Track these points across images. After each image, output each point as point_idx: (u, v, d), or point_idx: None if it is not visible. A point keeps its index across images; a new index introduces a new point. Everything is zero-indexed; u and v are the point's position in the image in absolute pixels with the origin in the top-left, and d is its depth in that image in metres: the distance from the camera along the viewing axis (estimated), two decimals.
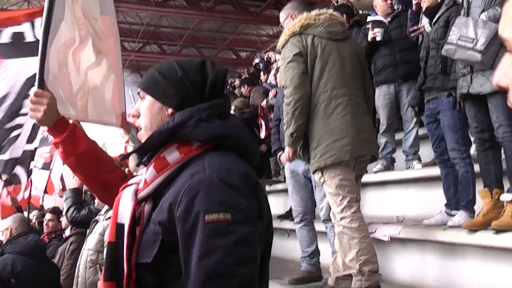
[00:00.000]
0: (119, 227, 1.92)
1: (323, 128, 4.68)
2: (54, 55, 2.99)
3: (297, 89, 4.68)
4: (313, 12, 4.96)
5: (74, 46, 3.33)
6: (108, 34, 3.78)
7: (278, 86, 7.72)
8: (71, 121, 2.74)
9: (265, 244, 1.92)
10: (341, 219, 4.60)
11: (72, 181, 6.44)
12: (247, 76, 13.58)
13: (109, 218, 4.51)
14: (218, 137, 1.92)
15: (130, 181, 2.10)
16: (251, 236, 1.75)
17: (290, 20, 5.17)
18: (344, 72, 4.82)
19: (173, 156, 1.92)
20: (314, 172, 4.79)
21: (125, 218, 1.92)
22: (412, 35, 6.55)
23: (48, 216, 8.44)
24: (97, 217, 5.14)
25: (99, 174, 2.66)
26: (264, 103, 9.48)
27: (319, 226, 6.23)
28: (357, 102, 4.86)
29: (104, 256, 2.05)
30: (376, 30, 6.74)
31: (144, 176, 2.00)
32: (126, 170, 3.18)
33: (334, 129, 4.67)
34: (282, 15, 5.38)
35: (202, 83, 2.01)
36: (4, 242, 6.08)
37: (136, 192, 1.99)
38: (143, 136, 2.10)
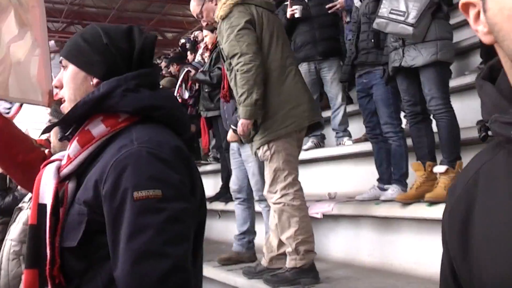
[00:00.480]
0: (41, 208, 1.78)
1: (278, 97, 4.56)
2: None
3: (257, 55, 4.50)
4: None
5: None
6: (34, 5, 3.55)
7: (206, 62, 7.47)
8: None
9: (199, 221, 1.82)
10: (282, 196, 4.50)
11: None
12: (174, 55, 13.41)
13: None
14: (147, 108, 1.80)
15: (53, 157, 1.96)
16: (183, 213, 1.65)
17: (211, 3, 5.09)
18: (288, 42, 4.81)
19: (98, 129, 1.78)
20: (258, 148, 4.65)
21: (47, 198, 1.78)
22: (329, 11, 6.62)
23: None
24: (20, 205, 4.93)
25: (15, 155, 2.52)
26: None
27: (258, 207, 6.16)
28: (300, 71, 4.88)
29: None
30: (295, 7, 6.67)
31: (67, 152, 1.85)
32: (46, 150, 3.02)
33: (290, 97, 4.58)
34: None
35: (130, 51, 1.87)
36: None
37: (59, 169, 1.84)
38: (66, 108, 1.93)
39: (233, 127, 5.69)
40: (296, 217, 4.47)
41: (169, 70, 12.13)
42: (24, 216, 4.54)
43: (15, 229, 4.59)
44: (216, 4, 4.96)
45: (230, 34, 4.57)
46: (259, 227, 6.13)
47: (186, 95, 8.84)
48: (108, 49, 1.85)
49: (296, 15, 6.67)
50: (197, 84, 8.73)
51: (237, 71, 4.52)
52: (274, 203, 4.58)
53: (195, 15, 5.32)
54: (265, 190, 4.68)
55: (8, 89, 3.21)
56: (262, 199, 5.52)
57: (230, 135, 5.78)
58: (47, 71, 3.63)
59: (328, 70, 6.77)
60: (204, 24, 5.50)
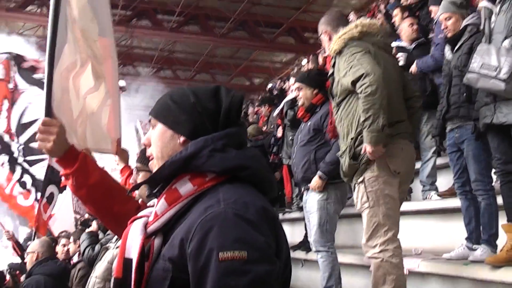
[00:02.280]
0: (126, 262, 1.80)
1: None
2: (57, 80, 2.85)
3: (381, 77, 4.27)
4: (367, 20, 4.74)
5: (75, 70, 3.19)
6: (106, 57, 3.66)
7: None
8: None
9: (283, 281, 1.80)
10: (381, 251, 4.32)
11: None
12: (266, 96, 13.54)
13: (118, 247, 4.41)
14: (234, 169, 1.80)
15: (140, 214, 1.98)
16: (268, 276, 1.62)
17: (325, 36, 4.94)
18: (399, 97, 4.62)
19: (185, 188, 1.81)
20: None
21: (133, 252, 1.80)
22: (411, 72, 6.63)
23: (63, 241, 8.32)
24: (107, 245, 5.03)
25: (111, 206, 2.53)
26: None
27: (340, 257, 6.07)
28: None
29: None
30: (399, 54, 6.67)
31: (154, 209, 1.88)
32: (140, 200, 3.06)
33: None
34: (319, 30, 5.07)
35: (216, 110, 1.89)
36: (32, 265, 6.14)
37: (146, 225, 1.86)
38: (154, 166, 1.98)
39: (321, 174, 5.67)
40: (393, 275, 4.28)
41: (261, 109, 12.15)
42: (109, 255, 4.64)
43: (100, 267, 4.69)
44: (330, 40, 4.82)
45: (351, 61, 4.39)
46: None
47: (279, 134, 8.88)
48: (195, 109, 1.89)
49: (401, 63, 6.64)
50: (280, 132, 8.76)
51: (361, 93, 4.29)
52: (370, 255, 4.43)
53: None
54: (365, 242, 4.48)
55: (86, 140, 3.29)
56: (319, 250, 5.66)
57: (316, 182, 5.75)
58: (116, 120, 3.73)
59: (426, 122, 6.69)
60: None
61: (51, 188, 8.14)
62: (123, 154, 4.30)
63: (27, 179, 8.87)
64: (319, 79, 6.15)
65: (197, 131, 1.87)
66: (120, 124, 3.83)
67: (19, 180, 8.85)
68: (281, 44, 22.55)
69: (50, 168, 7.86)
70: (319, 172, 5.76)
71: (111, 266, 4.58)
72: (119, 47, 22.77)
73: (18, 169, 8.86)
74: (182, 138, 1.90)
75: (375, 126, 4.22)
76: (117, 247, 4.62)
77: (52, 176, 7.91)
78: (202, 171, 1.80)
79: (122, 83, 10.86)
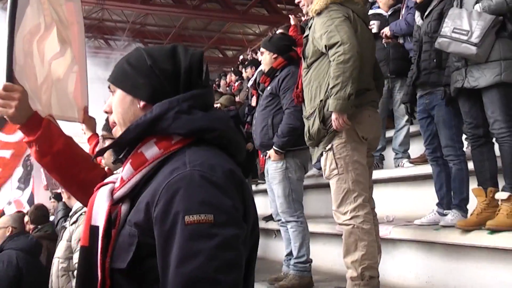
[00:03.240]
0: (93, 230, 1.77)
1: None
2: (19, 44, 2.76)
3: (356, 47, 4.27)
4: None
5: (39, 33, 3.11)
6: (73, 22, 3.58)
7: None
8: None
9: (251, 247, 1.78)
10: (352, 217, 4.32)
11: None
12: (252, 58, 13.50)
13: (74, 222, 4.37)
14: (200, 130, 1.76)
15: (106, 180, 1.94)
16: (235, 239, 1.60)
17: None
18: (370, 67, 4.65)
19: (151, 151, 1.77)
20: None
21: (99, 220, 1.76)
22: (384, 41, 6.68)
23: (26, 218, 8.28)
24: (65, 223, 5.00)
25: (76, 174, 2.47)
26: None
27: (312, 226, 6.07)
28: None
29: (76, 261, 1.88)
30: (372, 22, 6.61)
31: (120, 174, 1.84)
32: (106, 168, 3.00)
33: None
34: None
35: (175, 71, 1.85)
36: (3, 240, 6.14)
37: (112, 191, 1.82)
38: (118, 132, 1.94)
39: (276, 148, 5.66)
40: (365, 241, 4.28)
41: (246, 70, 12.09)
42: (67, 233, 4.61)
43: (61, 247, 4.66)
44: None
45: (329, 25, 4.37)
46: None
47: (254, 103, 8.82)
48: (153, 71, 1.84)
49: (373, 31, 6.63)
50: (254, 101, 8.72)
51: (333, 60, 4.29)
52: (340, 223, 4.44)
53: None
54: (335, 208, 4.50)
55: (51, 107, 3.21)
56: (289, 221, 5.79)
57: (273, 156, 5.76)
58: (83, 87, 3.65)
59: (399, 89, 6.71)
60: (304, 11, 5.11)
61: None
62: (90, 122, 4.19)
63: None
64: (280, 44, 6.11)
65: (156, 94, 1.82)
66: (87, 91, 3.75)
67: None
68: (254, 15, 22.50)
69: None
70: (273, 147, 5.75)
71: (70, 243, 4.55)
72: (89, 20, 22.55)
73: None
74: (142, 103, 1.86)
75: (341, 93, 4.23)
76: (71, 224, 4.59)
77: None
78: (168, 134, 1.76)
79: None
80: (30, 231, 7.28)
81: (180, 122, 1.74)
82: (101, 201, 1.81)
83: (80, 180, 2.47)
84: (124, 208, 1.77)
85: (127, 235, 1.69)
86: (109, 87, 1.98)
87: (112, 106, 1.97)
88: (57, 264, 4.61)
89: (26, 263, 5.65)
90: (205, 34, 26.08)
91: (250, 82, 9.91)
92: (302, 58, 4.84)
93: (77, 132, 4.19)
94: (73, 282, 4.41)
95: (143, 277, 1.67)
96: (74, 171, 2.47)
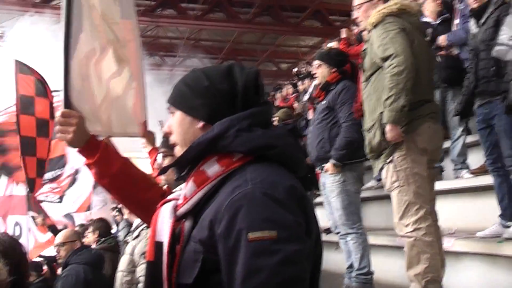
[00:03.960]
0: (158, 246, 1.83)
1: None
2: (76, 69, 2.85)
3: (410, 59, 4.29)
4: (407, 0, 4.71)
5: (95, 57, 3.19)
6: (129, 40, 3.66)
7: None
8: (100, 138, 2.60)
9: (314, 261, 1.80)
10: (414, 230, 4.28)
11: None
12: (308, 71, 13.52)
13: (137, 237, 4.44)
14: (260, 148, 1.79)
15: (169, 197, 2.00)
16: (298, 255, 1.61)
17: (361, 8, 4.92)
18: (428, 79, 4.62)
19: (213, 169, 1.81)
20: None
21: (164, 236, 1.82)
22: (438, 53, 6.57)
23: (91, 229, 8.48)
24: (127, 238, 5.08)
25: (135, 193, 2.53)
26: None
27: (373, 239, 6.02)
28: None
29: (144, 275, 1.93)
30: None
31: (183, 191, 1.89)
32: (165, 186, 3.05)
33: None
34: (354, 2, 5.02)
35: (232, 90, 1.89)
36: (66, 255, 6.23)
37: (175, 208, 1.88)
38: (179, 152, 1.99)
39: (333, 161, 5.64)
40: (427, 253, 4.24)
41: (303, 83, 12.05)
42: (129, 248, 4.70)
43: (123, 261, 4.74)
44: (365, 12, 4.84)
45: (384, 38, 4.41)
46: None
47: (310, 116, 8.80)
48: (210, 91, 1.89)
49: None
50: (311, 115, 8.71)
51: (387, 72, 4.34)
52: (402, 235, 4.40)
53: (353, 7, 5.05)
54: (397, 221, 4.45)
55: (112, 126, 3.29)
56: (349, 233, 5.74)
57: (331, 169, 5.73)
58: (142, 103, 3.72)
59: (452, 99, 6.61)
60: (362, 26, 5.16)
61: None
62: (149, 136, 4.31)
63: None
64: (337, 59, 6.14)
65: (215, 114, 1.86)
66: (146, 106, 3.83)
67: None
68: (307, 28, 22.44)
69: None
70: (331, 160, 5.73)
71: (132, 258, 4.63)
72: (144, 38, 22.89)
73: None
74: (201, 123, 1.91)
75: (395, 105, 4.25)
76: (133, 239, 4.67)
77: None
78: (229, 152, 1.80)
79: None
80: (94, 244, 7.44)
81: (241, 140, 1.77)
82: (164, 217, 1.86)
83: (139, 199, 2.53)
84: (187, 224, 1.81)
85: (192, 251, 1.73)
86: (168, 109, 2.03)
87: (172, 127, 2.02)
88: (121, 278, 4.71)
89: (92, 277, 5.73)
90: (259, 48, 26.16)
91: (307, 96, 9.90)
92: (362, 71, 4.82)
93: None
94: None
95: None
96: (133, 191, 2.53)
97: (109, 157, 2.48)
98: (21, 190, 8.33)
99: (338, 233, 6.18)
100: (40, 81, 8.03)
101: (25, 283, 3.24)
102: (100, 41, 3.25)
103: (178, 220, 1.84)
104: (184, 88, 1.96)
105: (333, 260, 7.89)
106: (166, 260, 1.76)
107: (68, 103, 2.65)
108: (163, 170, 2.23)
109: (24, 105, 7.77)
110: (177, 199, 1.92)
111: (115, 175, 2.48)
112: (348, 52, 7.16)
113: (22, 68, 7.98)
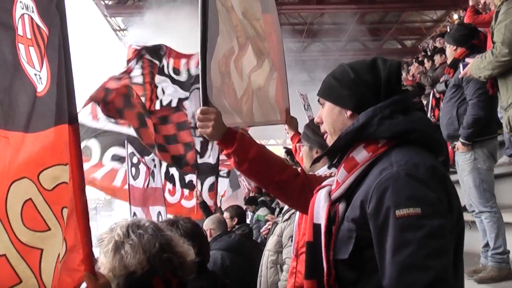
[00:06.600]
0: (316, 227, 2.05)
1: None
2: (215, 69, 3.12)
3: None
4: None
5: (234, 54, 3.45)
6: (271, 32, 3.88)
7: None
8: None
9: (457, 235, 1.93)
10: None
11: None
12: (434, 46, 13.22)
13: (287, 220, 4.63)
14: (402, 133, 1.97)
15: (323, 183, 2.20)
16: (442, 229, 1.77)
17: None
18: None
19: (361, 155, 2.01)
20: None
21: (321, 218, 2.04)
22: None
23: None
24: (276, 219, 5.26)
25: (272, 175, 2.78)
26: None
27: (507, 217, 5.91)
28: None
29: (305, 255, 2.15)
30: None
31: (335, 177, 2.10)
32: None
33: None
34: None
35: (376, 81, 2.07)
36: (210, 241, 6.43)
37: (330, 193, 2.09)
38: (330, 140, 2.20)
39: (462, 140, 5.56)
40: None
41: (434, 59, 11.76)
42: (278, 229, 4.87)
43: (271, 241, 4.94)
44: None
45: (503, 20, 4.38)
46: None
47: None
48: (356, 83, 2.09)
49: None
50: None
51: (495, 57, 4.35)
52: None
53: None
54: None
55: (253, 115, 3.54)
56: (482, 211, 5.59)
57: (461, 147, 5.66)
58: (284, 91, 3.94)
59: None
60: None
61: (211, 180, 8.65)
62: (292, 122, 4.50)
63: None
64: (457, 35, 5.99)
65: (361, 103, 2.06)
66: (288, 94, 4.04)
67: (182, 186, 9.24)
68: (429, 1, 21.88)
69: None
70: (460, 139, 5.65)
71: (280, 239, 4.81)
72: None
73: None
74: (349, 112, 2.11)
75: None
76: (284, 221, 4.84)
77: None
78: (374, 138, 1.99)
79: None
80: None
81: (384, 127, 1.96)
82: (320, 201, 2.09)
83: (276, 181, 2.79)
84: (341, 206, 2.01)
85: (346, 230, 1.93)
86: (318, 101, 2.26)
87: (322, 117, 2.23)
88: (267, 256, 4.93)
89: (230, 263, 5.87)
90: (382, 27, 25.80)
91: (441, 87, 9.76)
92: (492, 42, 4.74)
93: None
94: (281, 275, 4.68)
95: (363, 267, 1.89)
96: (269, 173, 2.79)
97: (246, 144, 2.74)
98: (158, 182, 8.61)
99: (472, 211, 6.11)
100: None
101: (206, 267, 3.49)
102: (238, 40, 3.51)
103: (332, 203, 2.04)
104: (333, 81, 2.17)
105: (468, 239, 7.77)
106: (324, 240, 1.97)
107: (206, 101, 2.93)
108: (316, 160, 2.52)
109: None
110: (331, 185, 2.13)
111: (252, 160, 2.74)
112: (475, 21, 6.97)
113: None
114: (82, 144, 7.66)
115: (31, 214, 1.96)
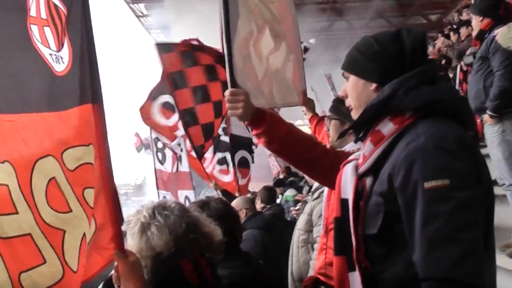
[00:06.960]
0: (343, 202, 2.04)
1: None
2: (237, 52, 3.13)
3: None
4: None
5: (253, 37, 3.48)
6: (286, 15, 3.89)
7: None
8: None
9: (487, 207, 1.91)
10: None
11: None
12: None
13: (316, 198, 4.63)
14: (428, 103, 1.94)
15: (350, 158, 2.20)
16: (471, 200, 1.76)
17: None
18: None
19: (387, 128, 1.99)
20: None
21: (348, 193, 2.03)
22: None
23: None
24: (306, 198, 5.25)
25: (302, 153, 2.78)
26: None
27: None
28: None
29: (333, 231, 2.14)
30: None
31: (362, 151, 2.10)
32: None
33: None
34: None
35: (400, 53, 2.04)
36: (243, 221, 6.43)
37: (356, 167, 2.08)
38: (355, 114, 2.18)
39: (489, 112, 5.49)
40: None
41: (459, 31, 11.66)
42: (308, 208, 4.86)
43: (301, 220, 4.93)
44: None
45: None
46: None
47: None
48: (380, 55, 2.07)
49: None
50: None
51: None
52: None
53: None
54: None
55: (274, 97, 3.55)
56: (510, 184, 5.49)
57: (488, 120, 5.58)
58: (300, 72, 3.95)
59: None
60: None
61: (241, 153, 8.59)
62: (309, 104, 4.51)
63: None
64: (482, 6, 5.90)
65: (386, 75, 2.04)
66: (304, 76, 4.04)
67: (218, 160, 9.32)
68: None
69: (232, 137, 8.46)
70: (487, 111, 5.57)
71: (310, 217, 4.80)
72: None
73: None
74: (374, 85, 2.09)
75: None
76: (314, 199, 4.83)
77: (237, 143, 8.48)
78: (400, 110, 1.97)
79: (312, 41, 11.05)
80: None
81: (410, 98, 1.94)
82: (347, 176, 2.08)
83: (306, 158, 2.79)
84: (368, 181, 2.01)
85: (374, 204, 1.93)
86: (343, 74, 2.24)
87: (347, 91, 2.22)
88: (297, 235, 4.92)
89: (268, 240, 5.98)
90: (406, 2, 25.46)
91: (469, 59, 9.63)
92: None
93: None
94: (312, 254, 4.67)
95: (392, 242, 1.89)
96: (299, 151, 2.79)
97: (275, 124, 2.75)
98: (185, 167, 8.65)
99: (503, 184, 6.04)
100: (185, 52, 8.15)
101: (238, 247, 3.50)
102: (257, 22, 3.52)
103: (359, 178, 2.04)
104: (356, 54, 2.15)
105: (499, 213, 7.70)
106: (352, 215, 1.97)
107: (234, 82, 2.95)
108: (342, 134, 2.50)
109: (175, 81, 8.04)
110: (357, 159, 2.12)
111: (282, 139, 2.74)
112: None
113: (163, 47, 8.11)
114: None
115: (55, 193, 1.96)
